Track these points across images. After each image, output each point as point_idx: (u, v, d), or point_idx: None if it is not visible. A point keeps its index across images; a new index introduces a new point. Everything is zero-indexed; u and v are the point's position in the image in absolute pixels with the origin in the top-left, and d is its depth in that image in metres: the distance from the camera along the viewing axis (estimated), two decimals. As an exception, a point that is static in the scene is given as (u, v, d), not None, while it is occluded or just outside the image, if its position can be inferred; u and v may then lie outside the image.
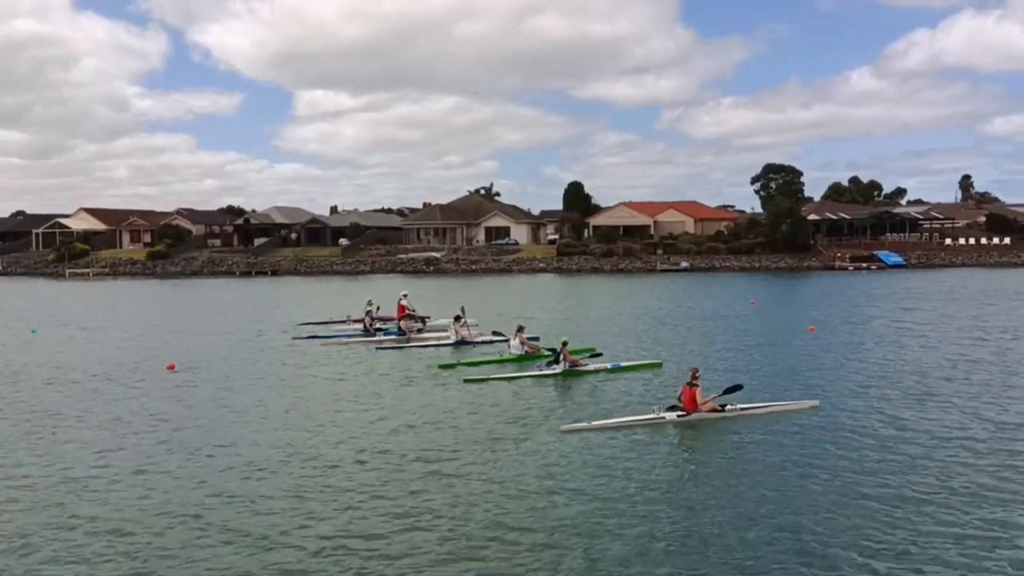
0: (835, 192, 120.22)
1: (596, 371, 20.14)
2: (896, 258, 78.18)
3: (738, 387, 16.10)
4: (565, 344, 20.49)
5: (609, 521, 10.37)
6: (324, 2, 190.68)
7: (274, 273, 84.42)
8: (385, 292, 39.13)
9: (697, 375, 15.54)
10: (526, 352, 23.27)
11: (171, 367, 22.56)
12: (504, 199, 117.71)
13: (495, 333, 26.63)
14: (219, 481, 12.36)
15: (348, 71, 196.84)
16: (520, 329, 23.97)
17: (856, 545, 9.47)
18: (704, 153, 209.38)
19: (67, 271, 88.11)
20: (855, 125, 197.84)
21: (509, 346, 23.61)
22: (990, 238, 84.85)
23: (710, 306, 40.17)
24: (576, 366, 20.16)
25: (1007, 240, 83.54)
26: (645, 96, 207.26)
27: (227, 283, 71.86)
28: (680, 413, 15.07)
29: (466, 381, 19.58)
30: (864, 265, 76.03)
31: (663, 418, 14.86)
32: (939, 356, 22.90)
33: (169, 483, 12.26)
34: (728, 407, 15.42)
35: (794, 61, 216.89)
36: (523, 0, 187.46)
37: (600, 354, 21.55)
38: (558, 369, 19.92)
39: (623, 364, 20.98)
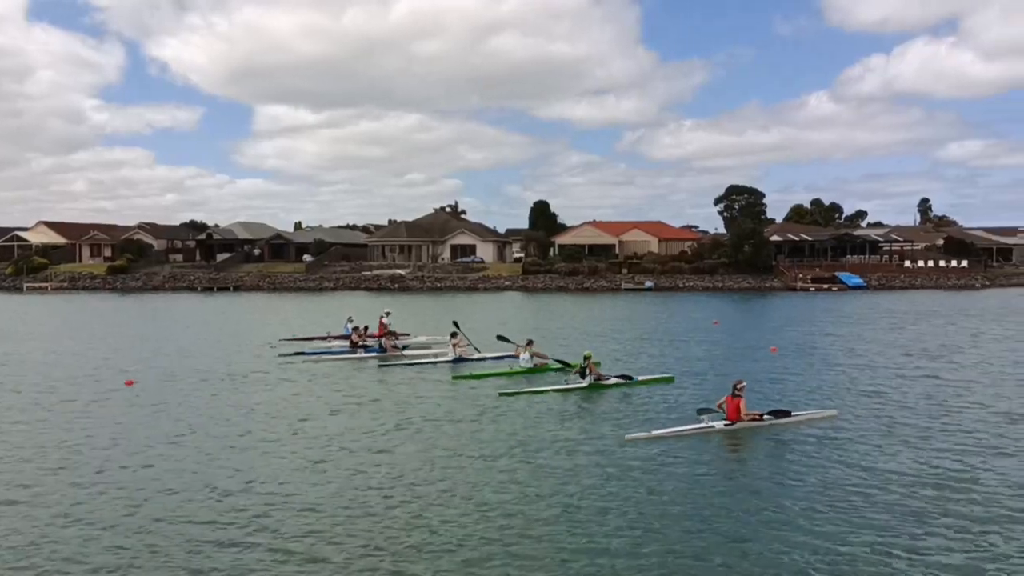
0: (797, 214, 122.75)
1: (617, 384, 20.31)
2: (857, 280, 79.80)
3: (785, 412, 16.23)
4: (589, 358, 20.70)
5: (695, 521, 10.59)
6: (282, 18, 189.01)
7: (236, 289, 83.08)
8: (352, 309, 38.34)
9: (741, 387, 15.72)
10: (535, 365, 23.21)
11: (129, 383, 21.54)
12: (468, 217, 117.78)
13: (499, 338, 26.58)
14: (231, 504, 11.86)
15: (308, 87, 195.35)
16: (529, 343, 23.85)
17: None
18: (665, 174, 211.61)
19: (25, 285, 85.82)
20: (813, 148, 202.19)
21: (519, 359, 23.47)
22: (948, 261, 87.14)
23: (677, 325, 40.18)
24: (600, 379, 20.21)
25: (964, 263, 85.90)
26: (606, 117, 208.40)
27: (188, 298, 70.41)
28: (726, 423, 15.42)
29: (501, 395, 19.50)
30: (825, 286, 77.41)
31: (712, 427, 15.23)
32: (927, 373, 23.41)
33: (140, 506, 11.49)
34: (765, 416, 15.78)
35: (753, 85, 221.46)
36: (483, 20, 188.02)
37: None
38: (584, 383, 19.96)
39: (640, 378, 21.19)
